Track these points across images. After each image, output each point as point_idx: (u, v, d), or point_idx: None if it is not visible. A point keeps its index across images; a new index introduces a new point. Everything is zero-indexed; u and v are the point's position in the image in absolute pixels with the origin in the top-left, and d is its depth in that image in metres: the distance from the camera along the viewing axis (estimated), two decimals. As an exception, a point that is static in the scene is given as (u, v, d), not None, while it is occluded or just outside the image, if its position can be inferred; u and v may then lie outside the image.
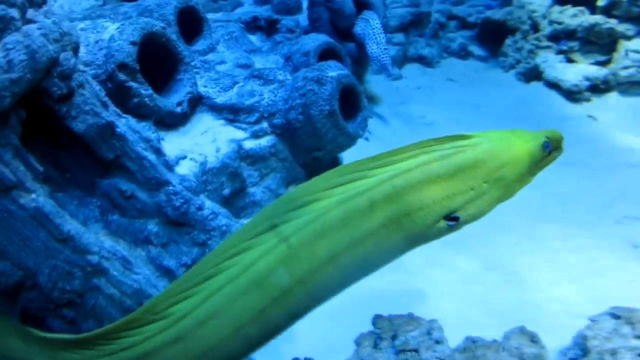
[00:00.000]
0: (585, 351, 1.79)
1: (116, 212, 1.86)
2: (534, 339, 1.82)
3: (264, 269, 1.39)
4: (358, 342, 1.63)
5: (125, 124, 1.89)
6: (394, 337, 1.59)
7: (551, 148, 1.64)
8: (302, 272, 1.41)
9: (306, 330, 2.31)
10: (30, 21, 1.62)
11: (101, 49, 2.66)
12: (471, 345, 1.66)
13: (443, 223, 1.51)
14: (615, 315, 1.87)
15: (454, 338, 1.88)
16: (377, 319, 1.67)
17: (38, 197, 1.62)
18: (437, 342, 1.58)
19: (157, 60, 2.87)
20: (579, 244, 3.01)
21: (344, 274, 1.48)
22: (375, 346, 1.59)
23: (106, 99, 1.88)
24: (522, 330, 1.82)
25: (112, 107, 1.88)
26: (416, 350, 1.54)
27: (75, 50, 1.78)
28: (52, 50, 1.62)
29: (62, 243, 1.65)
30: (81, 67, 1.80)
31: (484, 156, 1.51)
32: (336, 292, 1.52)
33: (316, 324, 2.36)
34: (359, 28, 4.94)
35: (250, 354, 1.53)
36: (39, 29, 1.61)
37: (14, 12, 1.55)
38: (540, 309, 2.46)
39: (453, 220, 1.51)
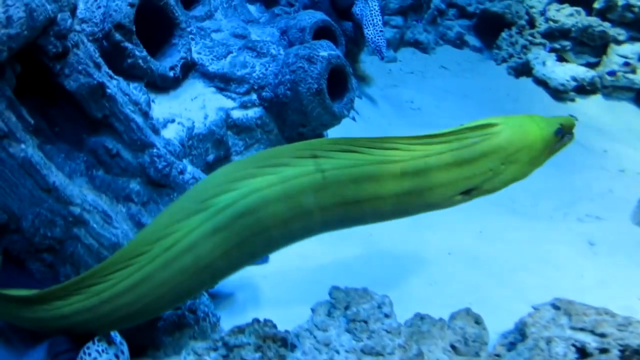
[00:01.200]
0: (523, 336, 1.93)
1: (101, 168, 1.95)
2: (477, 320, 1.95)
3: (298, 185, 1.56)
4: (314, 310, 1.75)
5: (116, 85, 1.96)
6: (346, 308, 1.71)
7: (563, 134, 1.82)
8: (326, 202, 1.60)
9: (271, 296, 2.45)
10: (31, -20, 1.67)
11: (99, 7, 2.70)
12: (418, 322, 1.79)
13: (459, 197, 1.73)
14: (556, 306, 2.00)
15: (407, 314, 2.01)
16: (333, 290, 1.78)
17: (27, 148, 1.70)
18: (386, 315, 1.70)
19: (154, 23, 2.92)
20: (540, 237, 3.15)
21: (360, 216, 1.69)
22: (329, 314, 1.71)
23: (100, 60, 1.94)
24: (467, 312, 1.95)
25: (105, 69, 1.96)
26: (365, 322, 1.66)
27: (73, 11, 1.84)
28: (50, 9, 1.69)
29: (46, 192, 1.74)
30: (77, 27, 1.87)
31: (505, 143, 1.70)
32: (347, 227, 1.75)
33: (281, 292, 2.50)
34: (357, 9, 4.96)
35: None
36: (40, -12, 1.67)
37: (16, -30, 1.61)
38: (492, 294, 2.59)
39: (468, 194, 1.73)
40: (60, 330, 1.73)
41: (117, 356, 1.69)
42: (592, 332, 1.91)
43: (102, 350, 1.68)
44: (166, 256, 1.57)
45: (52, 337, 1.77)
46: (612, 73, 5.72)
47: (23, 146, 1.70)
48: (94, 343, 1.66)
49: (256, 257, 1.71)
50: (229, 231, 1.55)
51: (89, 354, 1.65)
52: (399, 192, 1.65)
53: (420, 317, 1.83)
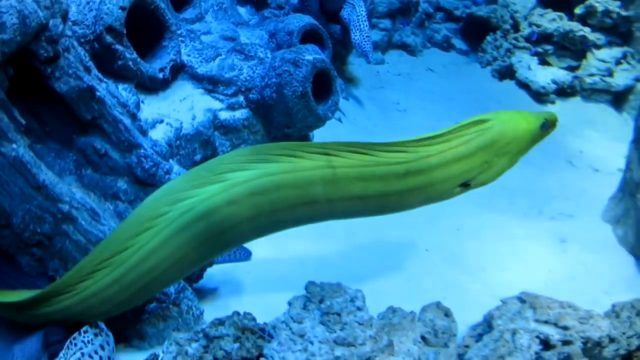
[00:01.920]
0: (490, 328, 1.99)
1: (89, 167, 2.00)
2: (447, 313, 2.02)
3: (309, 177, 1.67)
4: (290, 303, 1.81)
5: (105, 88, 2.01)
6: (321, 301, 1.77)
7: (547, 127, 1.98)
8: (333, 194, 1.72)
9: (253, 291, 2.51)
10: (23, -13, 1.72)
11: (91, 10, 2.74)
12: (390, 314, 1.85)
13: (457, 189, 1.86)
14: (522, 299, 2.07)
15: (381, 307, 2.08)
16: (309, 285, 1.85)
17: (18, 147, 1.75)
18: (359, 308, 1.76)
19: (144, 25, 2.96)
20: (513, 235, 3.22)
21: (364, 210, 1.84)
22: (305, 307, 1.77)
23: (90, 63, 1.99)
24: (438, 305, 2.02)
25: (95, 72, 2.01)
26: (339, 314, 1.72)
27: (64, 17, 1.89)
28: (42, 16, 1.74)
29: (36, 190, 1.79)
30: (68, 32, 1.91)
31: (497, 136, 1.83)
32: (349, 218, 1.92)
33: (263, 286, 2.56)
34: (345, 13, 5.02)
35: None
36: (32, -5, 1.72)
37: (9, -21, 1.66)
38: (464, 288, 2.67)
39: (465, 186, 1.86)
40: (50, 322, 1.79)
41: (102, 347, 1.75)
42: (556, 324, 1.98)
43: (88, 341, 1.74)
44: (151, 244, 1.65)
45: (46, 327, 1.83)
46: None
47: (14, 146, 1.75)
48: (80, 334, 1.71)
49: (262, 235, 1.81)
50: (240, 206, 1.64)
51: (75, 344, 1.71)
52: (403, 190, 1.79)
53: (393, 310, 1.89)
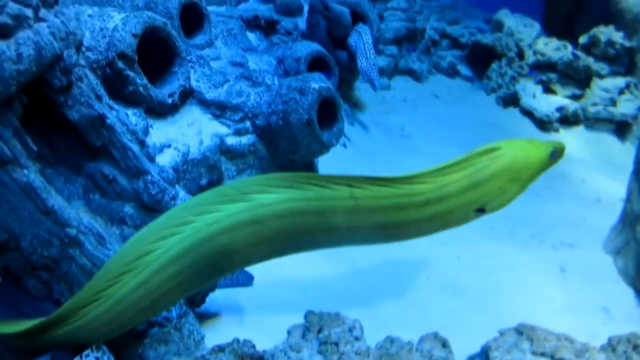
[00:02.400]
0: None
1: (97, 192, 2.05)
2: (444, 343, 2.02)
3: (332, 206, 1.74)
4: (289, 332, 1.83)
5: (116, 116, 2.06)
6: (319, 331, 1.79)
7: (556, 155, 2.03)
8: (354, 223, 1.80)
9: (254, 317, 2.53)
10: (41, 20, 1.78)
11: (105, 36, 2.81)
12: (388, 344, 1.87)
13: (473, 214, 1.92)
14: (519, 331, 2.08)
15: (380, 335, 2.10)
16: (308, 314, 1.87)
17: (29, 173, 1.80)
18: (356, 338, 1.78)
19: (155, 50, 3.03)
20: (514, 264, 3.24)
21: (383, 237, 1.92)
22: (303, 336, 1.79)
23: (101, 92, 2.04)
24: (435, 336, 2.03)
25: (105, 100, 2.06)
26: (336, 344, 1.74)
27: (78, 47, 1.95)
28: (57, 47, 1.79)
29: (45, 215, 1.83)
30: (82, 61, 1.97)
31: (510, 164, 1.88)
32: (367, 245, 2.01)
33: (264, 312, 2.58)
34: (352, 40, 5.10)
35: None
36: (48, 27, 1.78)
37: (29, 12, 1.72)
38: (465, 318, 2.67)
39: (481, 212, 1.91)
40: (58, 346, 1.82)
41: (106, 368, 1.77)
42: (552, 357, 1.99)
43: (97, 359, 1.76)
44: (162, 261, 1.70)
45: (52, 351, 1.85)
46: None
47: (26, 171, 1.79)
48: (81, 357, 1.74)
49: (279, 256, 1.86)
50: (263, 226, 1.71)
51: None
52: (422, 218, 1.86)
53: (391, 340, 1.90)
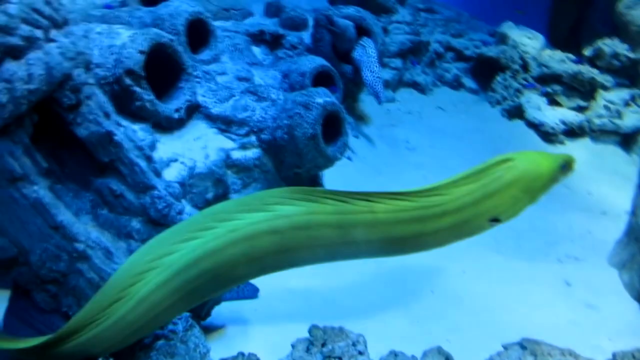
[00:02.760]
0: (491, 374, 2.02)
1: (105, 207, 2.08)
2: (448, 357, 2.04)
3: (351, 220, 1.79)
4: (293, 346, 1.85)
5: (123, 132, 2.11)
6: (323, 345, 1.81)
7: (566, 168, 2.07)
8: (372, 236, 1.84)
9: (259, 330, 2.55)
10: (51, 40, 1.84)
11: (112, 53, 2.86)
12: (392, 358, 1.89)
13: (488, 224, 1.95)
14: (523, 345, 2.09)
15: (384, 348, 2.11)
16: (312, 329, 1.89)
17: (39, 189, 1.84)
18: (360, 352, 1.80)
19: (163, 65, 3.08)
20: (519, 277, 3.25)
21: (400, 249, 1.97)
22: (307, 350, 1.81)
23: (109, 109, 2.09)
24: (439, 350, 2.04)
25: (114, 117, 2.10)
26: (340, 358, 1.77)
27: (87, 66, 2.00)
28: (66, 67, 1.85)
29: (54, 230, 1.87)
30: (91, 80, 2.02)
31: (522, 174, 1.92)
32: (385, 257, 2.07)
33: (269, 325, 2.60)
34: (356, 53, 5.14)
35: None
36: (58, 47, 1.84)
37: (39, 33, 1.77)
38: (468, 331, 2.68)
39: (495, 221, 1.94)
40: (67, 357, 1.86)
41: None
42: (556, 372, 2.00)
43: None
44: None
45: None
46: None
47: (36, 187, 1.84)
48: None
49: (295, 267, 1.91)
50: (282, 236, 1.77)
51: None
52: (439, 229, 1.90)
53: (394, 354, 1.92)
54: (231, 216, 1.76)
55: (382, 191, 1.84)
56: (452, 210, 1.88)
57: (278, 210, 1.76)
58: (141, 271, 1.75)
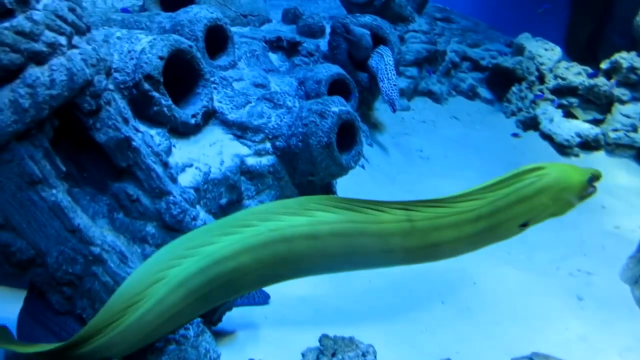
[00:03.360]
0: (499, 388, 2.01)
1: (121, 211, 2.11)
2: (456, 371, 2.04)
3: (390, 229, 1.85)
4: (304, 354, 1.87)
5: (141, 138, 2.13)
6: (333, 355, 1.82)
7: (592, 183, 2.10)
8: (410, 244, 1.91)
9: (269, 336, 2.56)
10: (74, 47, 1.86)
11: (132, 58, 2.91)
12: (400, 370, 1.89)
13: (517, 229, 2.01)
14: (532, 359, 2.09)
15: (394, 359, 2.12)
16: (323, 338, 1.90)
17: (57, 193, 1.87)
18: (369, 363, 1.81)
19: (180, 70, 3.11)
20: (531, 290, 3.23)
21: (436, 256, 2.02)
22: None
23: (128, 114, 2.11)
24: (448, 362, 2.05)
25: (132, 123, 2.12)
26: (350, 368, 1.77)
27: (108, 72, 2.02)
28: (88, 73, 1.87)
29: (71, 233, 1.90)
30: (111, 86, 2.04)
31: (554, 182, 1.97)
32: (420, 263, 2.08)
33: (279, 332, 2.61)
34: (373, 61, 5.15)
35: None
36: (80, 54, 1.86)
37: (63, 40, 1.80)
38: (478, 344, 2.67)
39: (524, 226, 2.00)
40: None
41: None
42: (565, 388, 1.99)
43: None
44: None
45: None
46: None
47: (54, 191, 1.86)
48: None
49: (330, 272, 2.06)
50: (320, 242, 1.83)
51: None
52: (474, 233, 1.95)
53: (403, 365, 1.93)
54: (272, 217, 1.81)
55: (419, 199, 1.89)
56: (486, 215, 1.93)
57: (318, 216, 1.81)
58: (178, 256, 1.81)
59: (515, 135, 6.18)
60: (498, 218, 1.95)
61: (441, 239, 1.92)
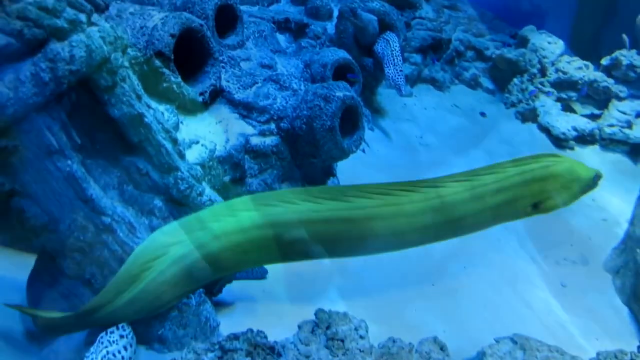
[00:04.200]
0: (481, 365, 2.11)
1: (131, 184, 2.19)
2: (442, 347, 2.12)
3: (422, 208, 1.99)
4: (300, 326, 1.96)
5: (153, 115, 2.20)
6: (327, 327, 1.91)
7: (596, 179, 2.27)
8: (437, 220, 2.04)
9: (267, 309, 2.65)
10: (93, 24, 1.93)
11: (144, 34, 2.95)
12: (390, 344, 1.98)
13: (529, 209, 2.13)
14: (514, 340, 2.18)
15: (383, 336, 2.20)
16: (318, 312, 1.99)
17: (72, 164, 1.95)
18: (361, 337, 1.90)
19: (190, 47, 3.16)
20: (517, 276, 3.32)
21: (461, 229, 2.16)
22: (312, 332, 1.91)
23: (141, 91, 2.18)
24: (434, 340, 2.13)
25: (145, 99, 2.19)
26: (342, 340, 1.86)
27: (124, 50, 2.09)
28: (106, 50, 1.94)
29: (84, 202, 1.98)
30: (126, 63, 2.11)
31: (566, 171, 2.12)
32: (446, 240, 2.22)
33: (276, 305, 2.71)
34: (379, 47, 5.17)
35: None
36: (99, 31, 1.93)
37: (83, 17, 1.86)
38: (464, 324, 2.77)
39: (535, 208, 2.12)
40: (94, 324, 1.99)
41: (125, 348, 1.92)
42: (542, 368, 2.08)
43: (113, 341, 1.91)
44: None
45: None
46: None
47: (69, 162, 1.94)
48: (106, 334, 1.89)
49: (365, 255, 2.26)
50: (357, 225, 1.99)
51: (102, 343, 1.88)
52: (495, 205, 2.08)
53: (393, 340, 2.01)
54: (312, 199, 1.94)
55: (448, 175, 2.02)
56: (505, 188, 2.05)
57: (355, 202, 1.93)
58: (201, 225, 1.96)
59: (482, 114, 6.24)
60: (515, 192, 2.07)
61: (465, 213, 2.04)
